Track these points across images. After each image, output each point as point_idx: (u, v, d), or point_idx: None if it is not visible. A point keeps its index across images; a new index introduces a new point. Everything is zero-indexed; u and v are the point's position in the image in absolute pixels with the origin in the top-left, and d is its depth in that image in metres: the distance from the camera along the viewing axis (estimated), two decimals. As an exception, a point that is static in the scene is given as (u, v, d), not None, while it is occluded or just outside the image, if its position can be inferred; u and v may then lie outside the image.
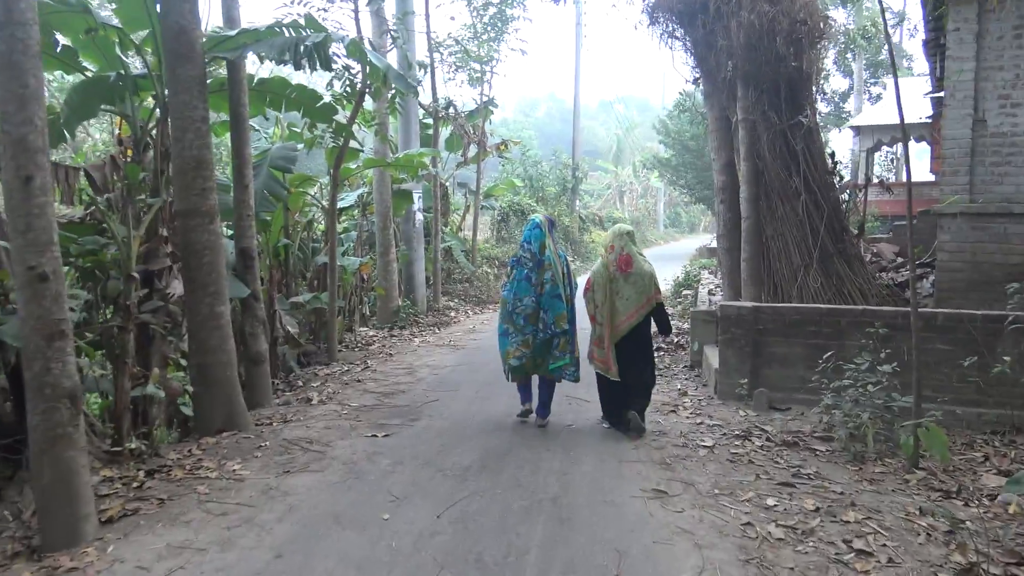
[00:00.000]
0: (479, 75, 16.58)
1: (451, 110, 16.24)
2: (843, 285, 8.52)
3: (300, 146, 10.19)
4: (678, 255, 30.25)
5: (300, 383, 8.79)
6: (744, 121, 8.70)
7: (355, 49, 6.89)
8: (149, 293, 6.73)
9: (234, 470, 5.39)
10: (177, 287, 6.64)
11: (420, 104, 14.31)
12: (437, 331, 12.15)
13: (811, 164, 8.45)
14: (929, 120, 18.55)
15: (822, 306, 7.20)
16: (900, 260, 10.96)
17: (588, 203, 40.07)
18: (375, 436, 6.23)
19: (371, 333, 11.60)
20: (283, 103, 8.64)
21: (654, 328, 6.56)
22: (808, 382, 6.89)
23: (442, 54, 16.13)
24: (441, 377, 8.63)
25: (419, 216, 13.78)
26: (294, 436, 6.23)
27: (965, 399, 6.39)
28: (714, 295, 10.96)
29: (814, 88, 8.82)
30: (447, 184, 17.37)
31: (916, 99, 19.48)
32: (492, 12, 16.37)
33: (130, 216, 5.91)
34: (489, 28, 16.52)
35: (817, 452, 5.74)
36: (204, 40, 6.46)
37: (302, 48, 6.32)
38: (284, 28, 6.66)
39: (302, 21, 6.85)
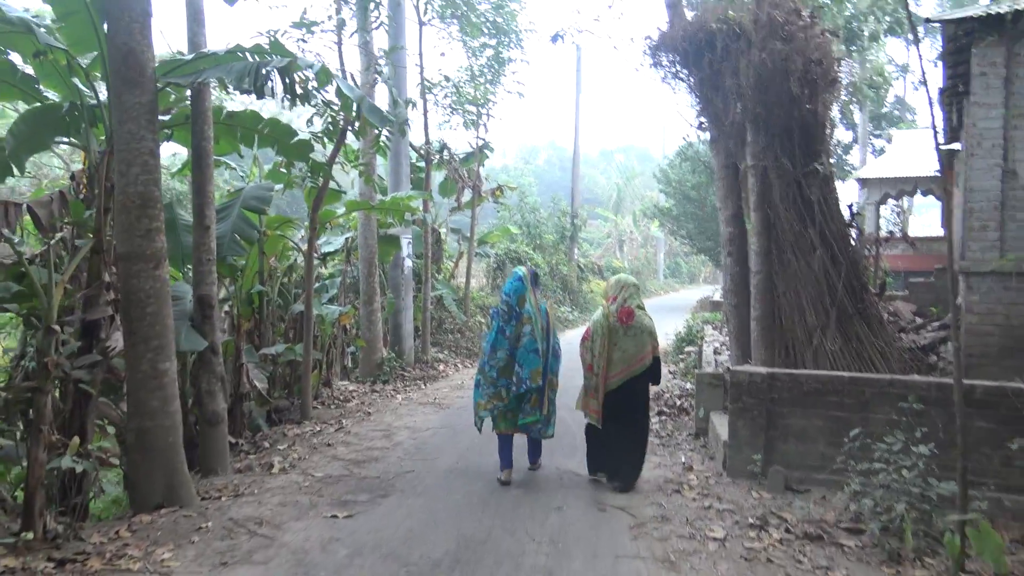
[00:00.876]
0: (474, 118, 16.01)
1: (445, 153, 15.67)
2: (863, 348, 7.77)
3: (279, 186, 9.54)
4: (679, 306, 29.50)
5: (267, 444, 7.99)
6: (754, 168, 8.04)
7: (325, 77, 6.23)
8: (88, 346, 5.99)
9: (163, 560, 4.58)
10: (120, 340, 5.90)
11: (411, 146, 13.71)
12: (422, 386, 11.35)
13: (827, 215, 7.77)
14: (939, 173, 18.04)
15: (844, 374, 6.43)
16: (920, 320, 10.22)
17: (587, 251, 39.45)
18: (335, 516, 5.42)
19: (351, 388, 10.80)
20: (255, 138, 7.99)
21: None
22: (830, 460, 6.12)
23: (435, 95, 15.57)
24: (420, 442, 7.82)
25: (408, 263, 13.08)
26: (243, 515, 5.42)
27: (1012, 486, 5.59)
28: (720, 354, 10.20)
29: (827, 134, 8.17)
30: (440, 230, 16.71)
31: (923, 151, 18.98)
32: (489, 54, 15.85)
33: (51, 259, 5.17)
34: (485, 70, 16.01)
35: (845, 548, 4.92)
36: (156, 64, 5.79)
37: (263, 72, 5.64)
38: (246, 52, 5.99)
39: (267, 46, 6.19)
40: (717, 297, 21.12)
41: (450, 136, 16.29)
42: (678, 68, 9.03)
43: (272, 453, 7.47)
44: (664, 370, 13.45)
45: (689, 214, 29.10)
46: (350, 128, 9.17)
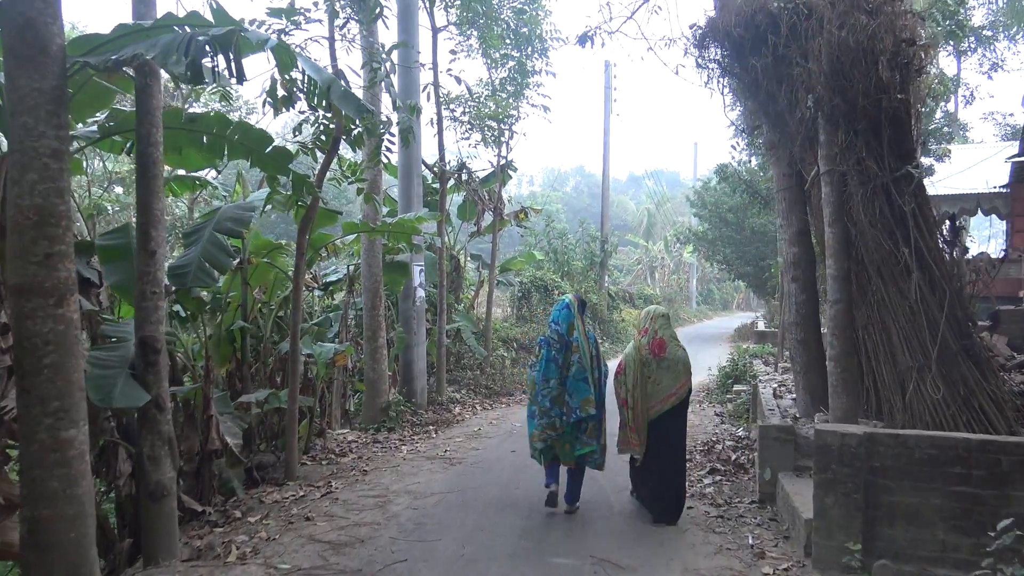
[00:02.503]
0: (496, 135, 14.68)
1: (463, 173, 14.33)
2: (972, 396, 6.18)
3: (268, 207, 8.24)
4: (715, 335, 27.89)
5: (239, 514, 6.56)
6: (829, 174, 6.55)
7: (285, 55, 4.87)
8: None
9: None
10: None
11: (425, 164, 12.38)
12: (433, 435, 9.88)
13: (923, 231, 6.24)
14: (1005, 189, 16.36)
15: (971, 436, 4.88)
16: (1020, 357, 8.59)
17: (617, 279, 37.95)
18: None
19: (350, 438, 9.37)
20: (224, 147, 6.67)
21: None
22: (953, 550, 4.61)
23: (453, 110, 14.28)
24: (420, 514, 6.35)
25: (420, 293, 11.69)
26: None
27: None
28: (782, 398, 8.65)
29: (918, 132, 6.68)
30: (458, 256, 15.34)
31: (984, 168, 17.36)
32: (511, 65, 14.54)
33: None
34: (507, 83, 14.69)
35: None
36: (68, 43, 4.47)
37: (198, 45, 4.27)
38: (178, 25, 4.64)
39: (211, 16, 4.84)
40: (762, 326, 19.46)
41: (468, 153, 14.93)
42: (729, 61, 7.60)
43: (239, 529, 6.06)
44: (709, 411, 11.93)
45: (726, 238, 27.50)
46: (344, 138, 7.86)
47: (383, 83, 7.75)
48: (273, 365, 8.55)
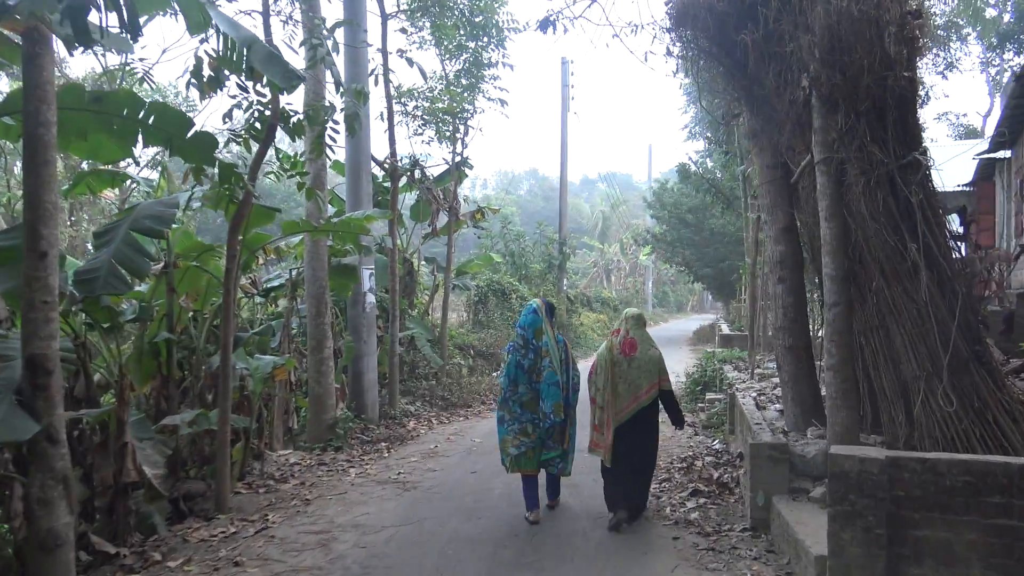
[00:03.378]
0: (451, 130, 13.85)
1: (416, 171, 13.46)
2: (986, 409, 5.55)
3: (198, 204, 7.32)
4: (674, 338, 27.37)
5: (158, 556, 5.65)
6: (825, 163, 5.87)
7: (194, 12, 4.02)
8: None
9: None
10: None
11: (374, 159, 11.50)
12: (385, 454, 9.01)
13: (932, 225, 5.60)
14: (969, 188, 16.04)
15: (1012, 460, 4.22)
16: (1016, 361, 8.04)
17: (575, 282, 37.36)
18: None
19: (293, 459, 8.46)
20: (138, 132, 5.76)
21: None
22: (994, 595, 3.94)
23: (404, 104, 13.42)
24: (370, 554, 5.50)
25: (370, 298, 10.81)
26: None
27: None
28: (765, 409, 7.99)
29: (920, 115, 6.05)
30: (411, 259, 14.47)
31: (937, 169, 17.05)
32: (466, 56, 13.74)
33: None
34: (463, 75, 13.88)
35: None
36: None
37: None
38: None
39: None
40: (726, 329, 18.93)
41: (422, 150, 14.08)
42: (708, 42, 6.93)
43: (157, 577, 5.16)
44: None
45: (685, 239, 27.09)
46: (281, 126, 6.98)
47: (325, 64, 6.86)
48: (204, 381, 7.61)
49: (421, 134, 13.99)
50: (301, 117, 7.09)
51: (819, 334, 8.39)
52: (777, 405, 8.26)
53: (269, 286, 10.62)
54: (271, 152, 8.29)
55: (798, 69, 5.99)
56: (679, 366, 14.60)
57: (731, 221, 24.56)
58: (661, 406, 6.45)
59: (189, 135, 5.80)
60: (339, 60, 8.21)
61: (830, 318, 5.93)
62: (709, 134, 18.76)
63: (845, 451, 4.52)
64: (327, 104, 7.24)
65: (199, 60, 6.24)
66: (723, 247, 25.67)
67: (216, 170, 6.23)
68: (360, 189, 10.73)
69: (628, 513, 6.11)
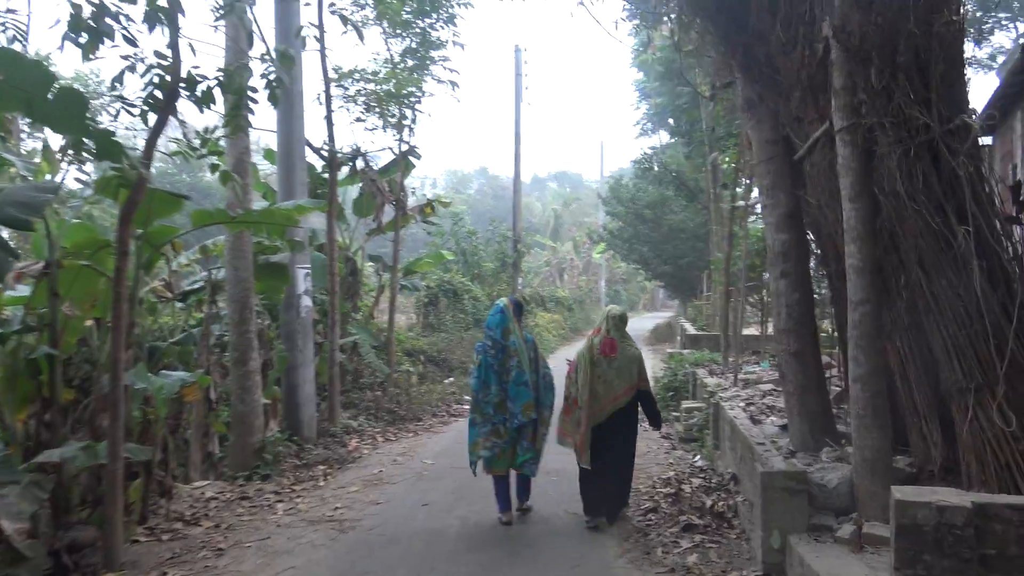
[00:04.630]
0: (397, 117, 12.61)
1: (359, 160, 12.20)
2: (1050, 426, 4.58)
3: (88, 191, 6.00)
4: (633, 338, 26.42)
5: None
6: (849, 130, 4.83)
7: None
8: None
9: None
10: None
11: (310, 146, 10.21)
12: (322, 482, 7.75)
13: (984, 205, 4.59)
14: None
15: None
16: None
17: (529, 281, 36.28)
18: None
19: (210, 492, 7.16)
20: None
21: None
22: None
23: (346, 88, 12.16)
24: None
25: (306, 301, 9.53)
26: None
27: None
28: (761, 423, 6.95)
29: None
30: (355, 257, 13.18)
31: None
32: (412, 34, 12.51)
33: None
34: (409, 55, 12.65)
35: None
36: None
37: None
38: None
39: None
40: (690, 328, 17.99)
41: (365, 138, 12.79)
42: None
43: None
44: (654, 432, 10.19)
45: (643, 236, 26.18)
46: (188, 94, 5.72)
47: (236, 13, 5.61)
48: (95, 406, 6.27)
49: (364, 120, 12.72)
50: (212, 83, 5.83)
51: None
52: (774, 418, 7.24)
53: (188, 289, 9.27)
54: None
55: (815, 18, 4.94)
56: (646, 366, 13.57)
57: (691, 216, 23.76)
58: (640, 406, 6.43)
59: (51, 96, 4.50)
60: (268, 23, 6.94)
61: (856, 319, 4.88)
62: (671, 120, 17.91)
63: (913, 495, 3.47)
64: (245, 66, 5.95)
65: (77, 8, 5.00)
66: (682, 243, 24.84)
67: (91, 143, 4.91)
68: (294, 178, 9.47)
69: (608, 516, 6.10)
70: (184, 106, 5.87)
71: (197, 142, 6.37)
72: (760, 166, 6.25)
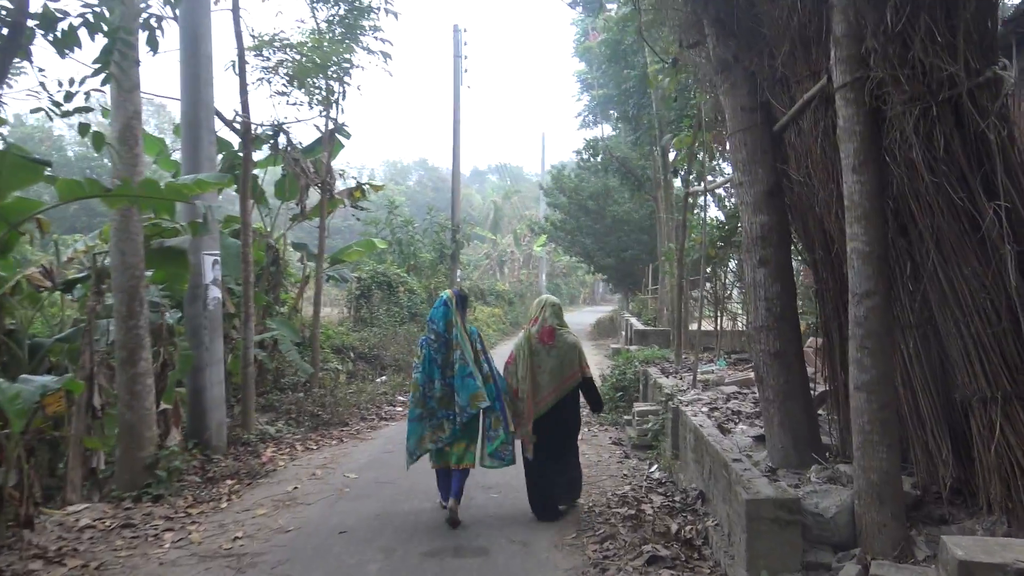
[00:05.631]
0: (322, 91, 11.49)
1: (280, 137, 11.04)
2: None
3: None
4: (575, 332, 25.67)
5: None
6: (854, 86, 3.99)
7: None
8: None
9: None
10: None
11: (220, 116, 9.04)
12: (225, 503, 6.65)
13: (1018, 176, 3.80)
14: None
15: None
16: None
17: (468, 274, 35.30)
18: None
19: (86, 519, 6.00)
20: None
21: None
22: None
23: (267, 58, 11.00)
24: None
25: (215, 293, 8.39)
26: None
27: None
28: (731, 432, 6.14)
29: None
30: (277, 245, 12.01)
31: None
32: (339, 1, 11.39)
33: None
34: (336, 23, 11.53)
35: None
36: None
37: None
38: None
39: None
40: (636, 323, 17.22)
41: (287, 113, 11.62)
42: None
43: None
44: (603, 437, 9.36)
45: (585, 228, 25.43)
46: (43, 33, 4.60)
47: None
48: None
49: (287, 94, 11.56)
50: (74, 21, 4.73)
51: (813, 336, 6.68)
52: (743, 425, 6.44)
53: (75, 277, 8.05)
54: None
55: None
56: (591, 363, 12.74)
57: (636, 208, 23.09)
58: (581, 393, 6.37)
59: None
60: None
61: (860, 314, 4.05)
62: (616, 109, 17.14)
63: (980, 551, 2.63)
64: (118, 1, 4.84)
65: None
66: (626, 235, 24.17)
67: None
68: (199, 152, 8.33)
69: (564, 503, 6.12)
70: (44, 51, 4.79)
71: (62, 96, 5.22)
72: (734, 138, 5.40)
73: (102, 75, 4.99)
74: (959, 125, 3.81)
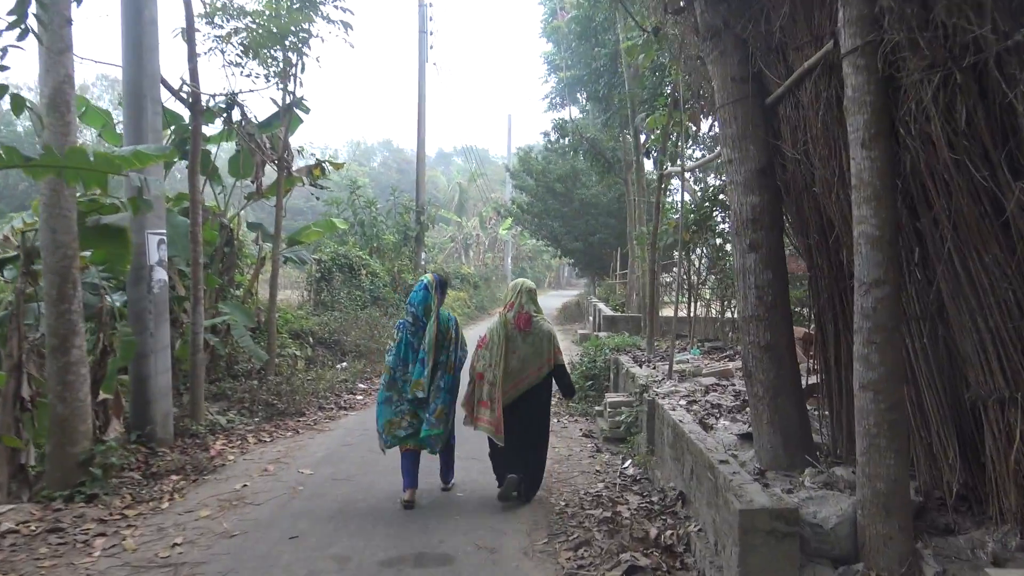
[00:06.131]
0: (279, 62, 10.88)
1: (234, 110, 10.42)
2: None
3: None
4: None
5: None
6: (864, 52, 3.58)
7: None
8: None
9: None
10: None
11: (166, 84, 8.40)
12: (166, 503, 6.12)
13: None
14: None
15: None
16: None
17: (433, 257, 34.72)
18: None
19: (9, 523, 5.44)
20: None
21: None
22: None
23: (219, 26, 10.36)
24: None
25: (160, 275, 7.82)
26: None
27: None
28: (713, 428, 5.76)
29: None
30: (230, 225, 11.39)
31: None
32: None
33: None
34: (293, -10, 10.89)
35: None
36: None
37: None
38: None
39: None
40: (604, 308, 16.86)
41: (244, 86, 10.96)
42: None
43: None
44: (572, 428, 8.97)
45: (552, 211, 25.01)
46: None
47: None
48: None
49: (242, 66, 10.93)
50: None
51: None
52: (725, 421, 6.07)
53: (4, 256, 7.42)
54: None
55: None
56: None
57: (604, 191, 22.71)
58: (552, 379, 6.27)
59: None
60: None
61: (868, 305, 3.66)
62: (586, 88, 16.68)
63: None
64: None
65: None
66: (594, 219, 23.80)
67: None
68: (143, 123, 7.73)
69: (523, 487, 5.97)
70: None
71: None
72: (724, 111, 4.98)
73: (17, 30, 4.40)
74: (983, 96, 3.42)
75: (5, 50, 4.67)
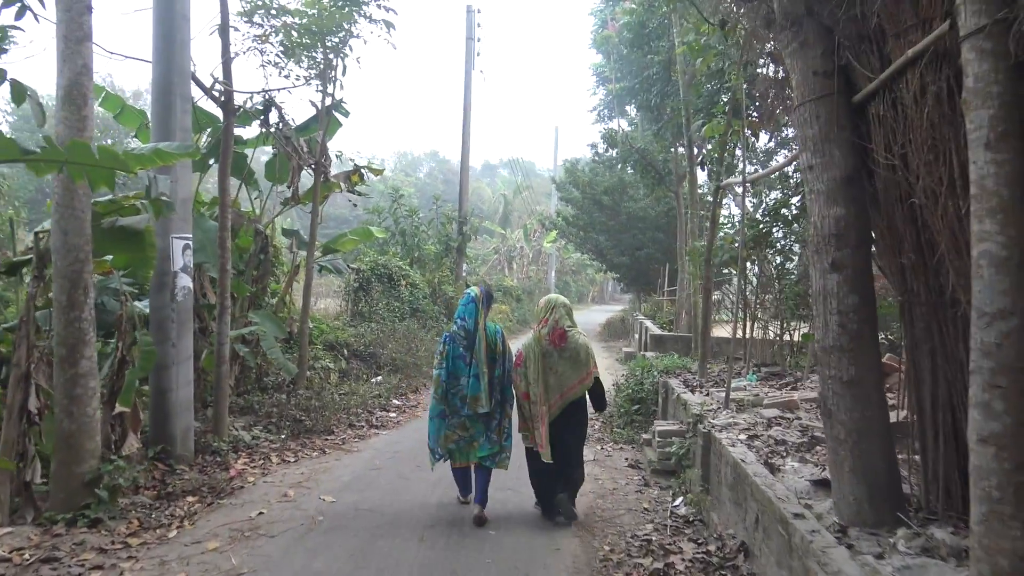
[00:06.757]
0: (319, 63, 10.48)
1: (271, 112, 10.04)
2: None
3: None
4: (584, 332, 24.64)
5: None
6: (991, 34, 2.94)
7: None
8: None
9: None
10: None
11: (196, 80, 8.02)
12: (175, 529, 5.64)
13: None
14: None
15: None
16: None
17: (475, 268, 34.28)
18: None
19: (2, 550, 5.01)
20: None
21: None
22: None
23: (259, 24, 10.00)
24: None
25: (185, 282, 7.42)
26: None
27: None
28: (780, 470, 5.09)
29: None
30: (266, 231, 11.00)
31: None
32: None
33: None
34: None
35: None
36: None
37: None
38: None
39: None
40: (653, 327, 16.13)
41: (279, 84, 10.54)
42: None
43: None
44: (617, 457, 8.33)
45: (599, 224, 24.36)
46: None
47: None
48: None
49: (282, 67, 10.55)
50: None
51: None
52: (794, 462, 5.38)
53: (18, 260, 7.06)
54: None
55: None
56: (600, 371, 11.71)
57: (653, 204, 22.01)
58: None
59: None
60: None
61: (991, 341, 2.99)
62: (637, 98, 16.04)
63: None
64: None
65: None
66: (642, 233, 23.09)
67: None
68: (171, 119, 7.37)
69: (566, 515, 5.87)
70: None
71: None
72: (803, 109, 4.34)
73: (15, 7, 3.96)
74: None
75: (5, 31, 4.24)
